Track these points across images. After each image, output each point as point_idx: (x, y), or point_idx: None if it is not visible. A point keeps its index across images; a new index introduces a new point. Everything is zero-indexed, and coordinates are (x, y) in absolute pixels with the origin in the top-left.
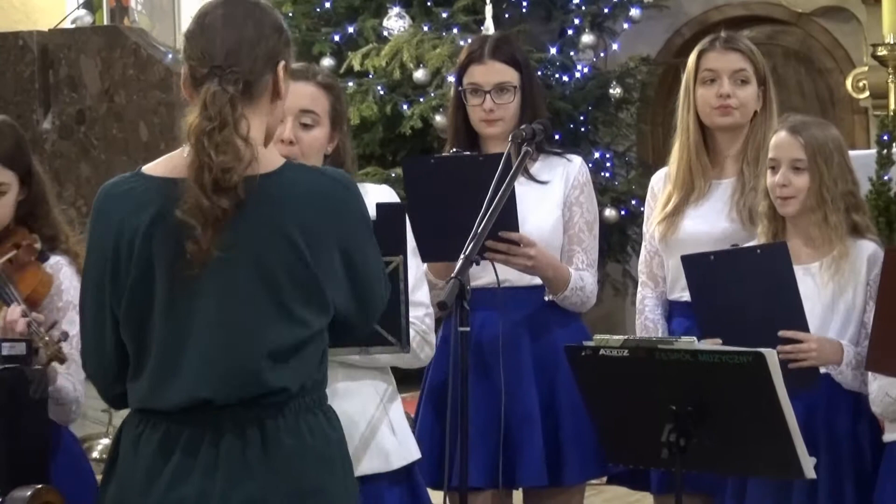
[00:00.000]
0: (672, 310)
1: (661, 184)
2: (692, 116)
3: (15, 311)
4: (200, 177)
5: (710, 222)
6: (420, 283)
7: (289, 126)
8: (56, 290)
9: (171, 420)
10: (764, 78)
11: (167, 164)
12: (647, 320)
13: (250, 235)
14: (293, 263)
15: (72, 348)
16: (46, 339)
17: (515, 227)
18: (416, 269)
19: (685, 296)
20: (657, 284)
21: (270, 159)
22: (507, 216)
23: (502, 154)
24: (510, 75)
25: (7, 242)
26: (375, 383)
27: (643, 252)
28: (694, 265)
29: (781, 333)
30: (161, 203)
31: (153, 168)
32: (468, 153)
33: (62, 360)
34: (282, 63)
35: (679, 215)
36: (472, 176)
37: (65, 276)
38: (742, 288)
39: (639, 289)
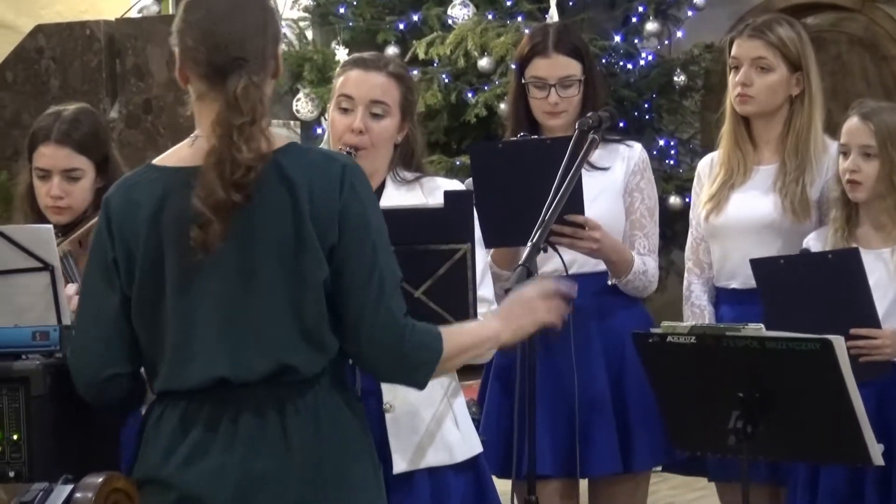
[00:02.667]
0: (719, 297)
1: (706, 169)
2: (730, 103)
3: (70, 288)
4: (222, 169)
5: (752, 207)
6: (484, 277)
7: (359, 115)
8: None
9: (191, 399)
10: (798, 64)
11: (175, 155)
12: (695, 307)
13: (262, 214)
14: (305, 241)
15: None
16: None
17: (581, 212)
18: (481, 263)
19: (732, 283)
20: (703, 271)
21: (278, 137)
22: (573, 201)
23: (569, 137)
24: (574, 68)
25: (82, 227)
26: (440, 377)
27: (690, 238)
28: (763, 268)
29: (853, 331)
30: (167, 191)
31: (162, 159)
32: (535, 137)
33: None
34: (280, 44)
35: (723, 199)
36: (538, 160)
37: None
38: (813, 292)
39: (685, 275)
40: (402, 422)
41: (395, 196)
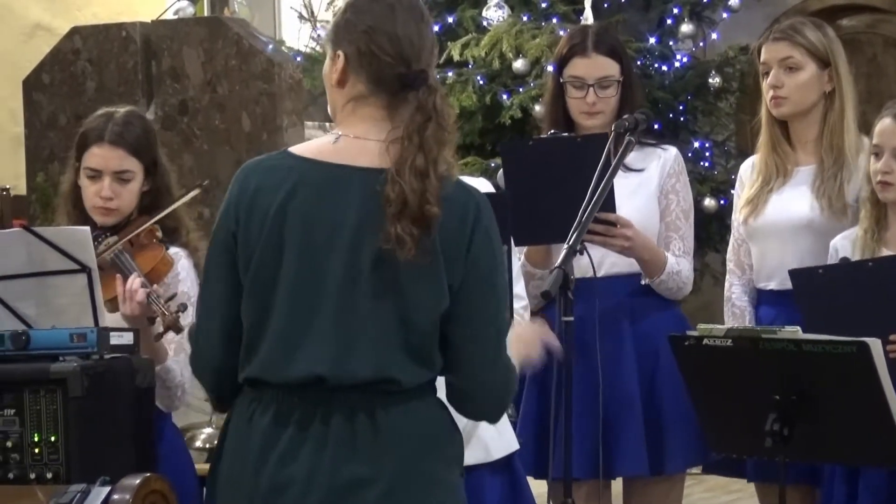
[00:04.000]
0: (759, 298)
1: (747, 172)
2: (765, 108)
3: (135, 281)
4: (438, 174)
5: (789, 208)
6: (517, 276)
7: None
8: (173, 279)
9: (284, 396)
10: (828, 61)
11: (313, 148)
12: (735, 307)
13: None
14: (429, 266)
15: (183, 338)
16: (164, 310)
17: (613, 209)
18: (514, 261)
19: (770, 284)
20: (744, 272)
21: None
22: (606, 201)
23: (600, 135)
24: (613, 69)
25: (132, 228)
26: None
27: (731, 240)
28: (802, 278)
29: (893, 337)
30: (302, 180)
31: (299, 149)
32: (566, 134)
33: (178, 330)
34: None
35: (761, 201)
36: (569, 157)
37: (182, 268)
38: (852, 300)
39: (727, 276)
40: None
41: None
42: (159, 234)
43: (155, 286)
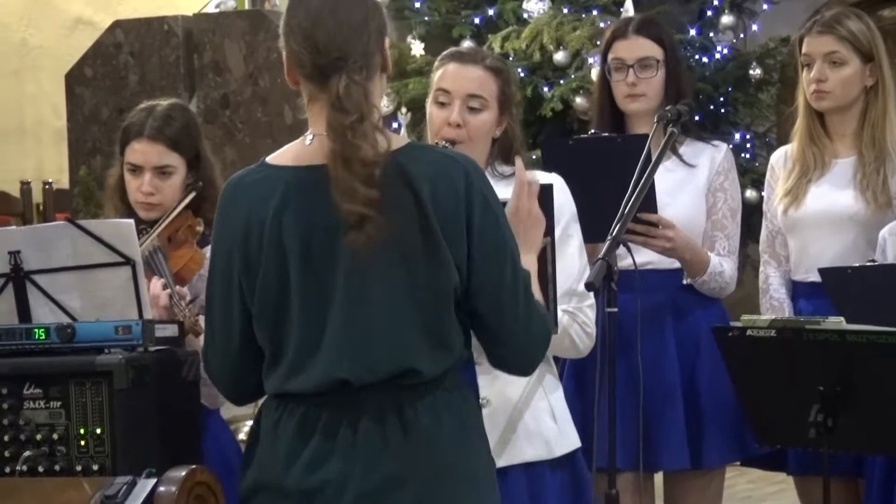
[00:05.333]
0: (796, 290)
1: (780, 162)
2: (803, 99)
3: (157, 283)
4: (351, 168)
5: (832, 200)
6: (584, 272)
7: (456, 109)
8: None
9: (309, 403)
10: (871, 55)
11: (289, 154)
12: (773, 300)
13: (386, 215)
14: (429, 243)
15: None
16: (185, 312)
17: (654, 210)
18: (581, 257)
19: (810, 276)
20: (780, 263)
21: (396, 137)
22: (646, 198)
23: (640, 136)
24: (653, 50)
25: (167, 222)
26: (537, 370)
27: (764, 231)
28: (832, 278)
29: None
30: (290, 189)
31: (277, 158)
32: (607, 134)
33: (197, 334)
34: (386, 38)
35: (801, 192)
36: (610, 157)
37: None
38: (884, 302)
39: (761, 267)
40: (499, 417)
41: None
42: (200, 228)
43: (178, 287)
